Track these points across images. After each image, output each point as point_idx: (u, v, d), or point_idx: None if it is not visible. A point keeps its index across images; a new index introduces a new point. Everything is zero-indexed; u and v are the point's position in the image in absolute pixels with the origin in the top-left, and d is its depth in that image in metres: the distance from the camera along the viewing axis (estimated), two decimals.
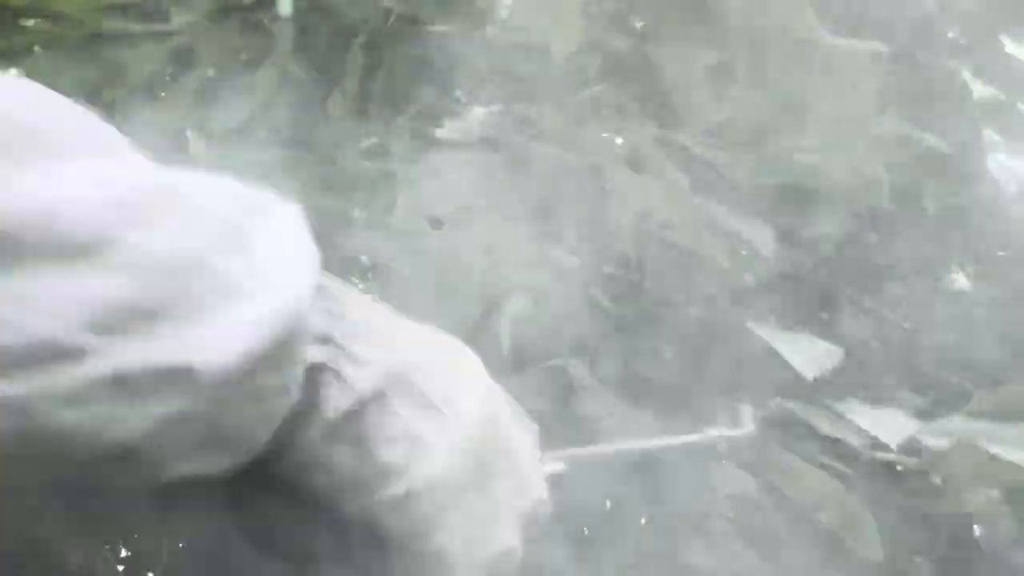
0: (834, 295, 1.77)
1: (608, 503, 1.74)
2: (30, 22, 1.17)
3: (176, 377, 0.37)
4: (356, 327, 0.47)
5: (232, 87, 1.36)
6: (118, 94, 1.23)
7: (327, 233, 1.44)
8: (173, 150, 1.71)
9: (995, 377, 1.86)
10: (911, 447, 1.17)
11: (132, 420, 0.37)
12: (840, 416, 1.21)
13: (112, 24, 1.18)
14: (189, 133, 1.69)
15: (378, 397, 0.45)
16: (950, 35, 2.26)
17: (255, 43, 1.27)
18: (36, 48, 1.18)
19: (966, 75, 2.25)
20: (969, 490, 1.21)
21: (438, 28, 1.24)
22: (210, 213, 0.41)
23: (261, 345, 0.39)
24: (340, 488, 0.45)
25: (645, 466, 1.31)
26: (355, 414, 0.45)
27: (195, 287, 0.38)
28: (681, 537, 1.56)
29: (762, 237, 1.42)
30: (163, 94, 1.25)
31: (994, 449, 1.10)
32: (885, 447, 1.16)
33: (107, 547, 1.48)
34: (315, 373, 0.44)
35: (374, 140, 1.37)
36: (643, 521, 1.58)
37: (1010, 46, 2.23)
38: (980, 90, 2.24)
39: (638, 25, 1.18)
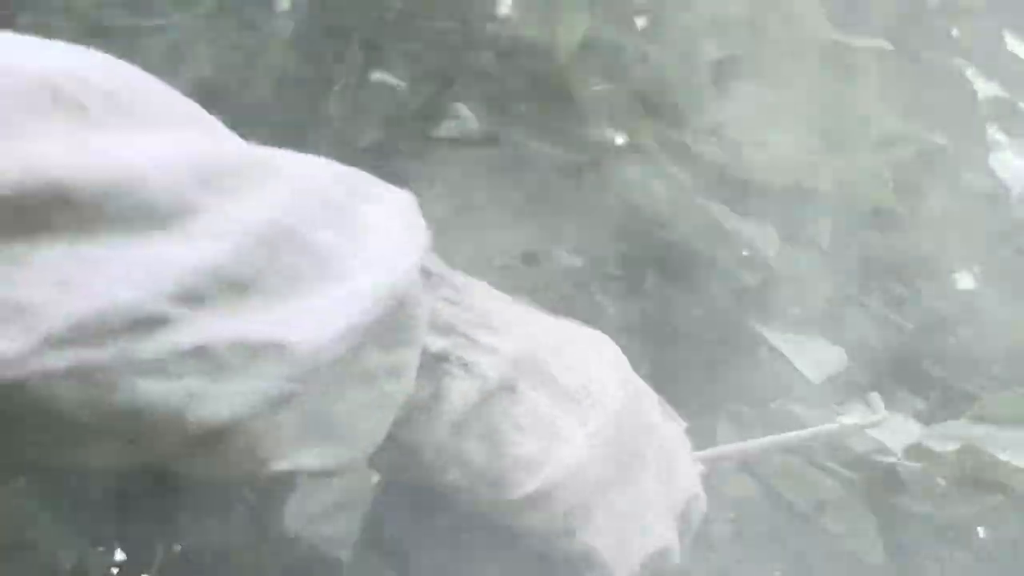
0: (838, 296, 1.75)
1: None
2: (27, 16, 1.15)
3: (269, 353, 0.35)
4: (481, 315, 0.44)
5: (230, 82, 1.35)
6: None
7: None
8: None
9: (1001, 379, 1.85)
10: (915, 451, 1.16)
11: (220, 399, 0.34)
12: (842, 418, 1.20)
13: (111, 18, 1.16)
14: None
15: (508, 387, 0.43)
16: (954, 33, 2.25)
17: (253, 38, 1.26)
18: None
19: (970, 73, 2.24)
20: (974, 495, 1.19)
21: (439, 24, 1.22)
22: (309, 189, 0.38)
23: (363, 322, 0.37)
24: (473, 485, 0.42)
25: None
26: (484, 405, 0.42)
27: (290, 260, 0.36)
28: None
29: (765, 237, 1.41)
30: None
31: (999, 453, 1.09)
32: (888, 451, 1.15)
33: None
34: (439, 363, 0.41)
35: (373, 137, 1.35)
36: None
37: (1013, 44, 2.22)
38: (984, 88, 2.23)
39: (640, 21, 1.16)
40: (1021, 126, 2.22)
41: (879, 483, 1.23)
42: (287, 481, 1.46)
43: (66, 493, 1.62)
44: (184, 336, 0.33)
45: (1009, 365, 1.91)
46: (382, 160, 1.46)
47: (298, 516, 1.35)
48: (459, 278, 0.45)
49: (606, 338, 0.50)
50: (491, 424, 0.43)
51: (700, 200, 1.40)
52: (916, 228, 1.79)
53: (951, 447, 1.12)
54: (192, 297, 0.33)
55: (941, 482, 1.18)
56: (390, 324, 0.38)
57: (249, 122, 1.46)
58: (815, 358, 1.20)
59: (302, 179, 0.39)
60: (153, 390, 0.33)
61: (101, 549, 1.67)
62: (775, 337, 1.24)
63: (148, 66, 1.14)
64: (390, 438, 0.39)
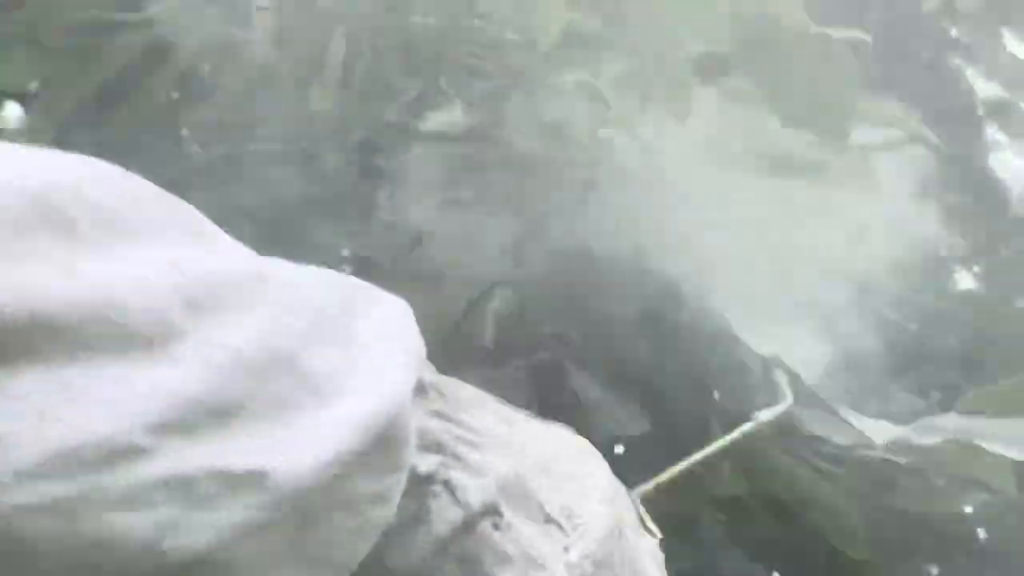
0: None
1: None
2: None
3: (249, 482, 0.33)
4: (469, 430, 0.43)
5: (210, 77, 1.35)
6: (96, 84, 1.22)
7: (311, 226, 1.43)
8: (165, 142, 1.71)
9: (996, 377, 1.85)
10: (901, 445, 1.15)
11: (197, 529, 0.33)
12: (829, 415, 1.19)
13: (87, 13, 1.16)
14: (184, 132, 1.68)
15: (492, 511, 0.41)
16: (953, 33, 2.24)
17: (234, 32, 1.26)
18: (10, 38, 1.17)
19: (969, 74, 2.23)
20: (960, 488, 1.19)
21: (422, 18, 1.22)
22: (301, 304, 0.37)
23: (352, 448, 0.35)
24: None
25: None
26: (467, 529, 0.41)
27: (278, 384, 0.34)
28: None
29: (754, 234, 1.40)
30: (143, 81, 1.23)
31: (984, 445, 1.08)
32: (874, 445, 1.14)
33: None
34: (424, 482, 0.40)
35: (357, 131, 1.35)
36: None
37: (1012, 44, 2.21)
38: (983, 89, 2.22)
39: (622, 13, 1.16)
40: (1021, 126, 2.21)
41: (864, 478, 1.22)
42: None
43: None
44: (161, 466, 0.32)
45: (1010, 364, 1.91)
46: (365, 152, 1.46)
47: None
48: (448, 386, 0.44)
49: (591, 448, 0.49)
50: (473, 550, 0.41)
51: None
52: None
53: (934, 440, 1.11)
54: (171, 426, 0.33)
55: (928, 478, 1.17)
56: (378, 450, 0.37)
57: (234, 124, 1.46)
58: (804, 355, 1.20)
59: (294, 294, 0.38)
60: (126, 521, 0.32)
61: None
62: (760, 334, 1.23)
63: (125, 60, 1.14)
64: (366, 557, 0.38)
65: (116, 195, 0.37)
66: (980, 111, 2.21)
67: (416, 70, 1.36)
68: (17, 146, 0.38)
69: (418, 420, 0.41)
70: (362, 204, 1.44)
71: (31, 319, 0.31)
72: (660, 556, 0.50)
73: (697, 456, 1.01)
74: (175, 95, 1.42)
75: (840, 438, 1.20)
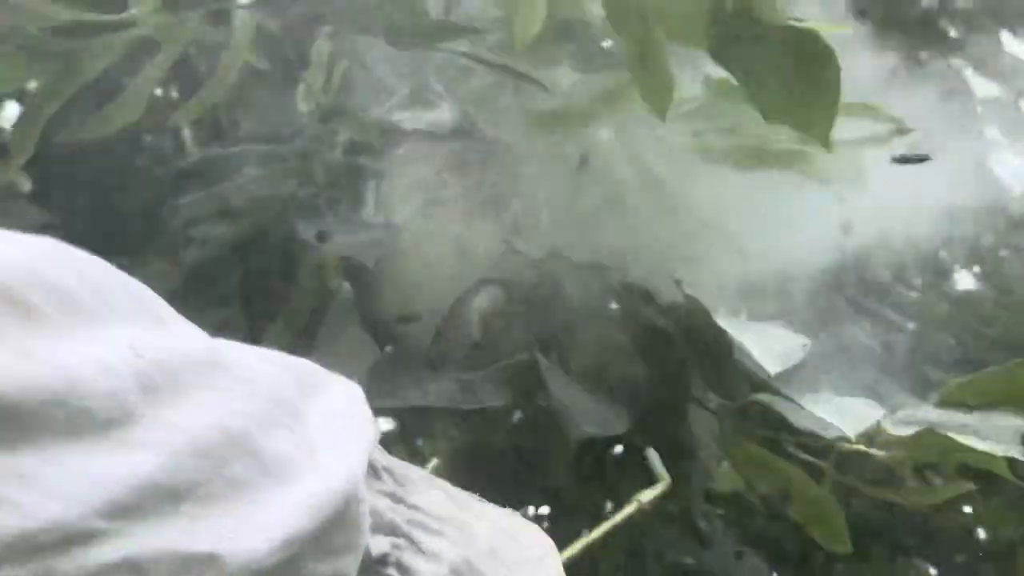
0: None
1: None
2: None
3: (200, 565, 0.33)
4: (421, 513, 0.43)
5: (194, 79, 1.36)
6: (79, 86, 1.23)
7: (296, 226, 1.44)
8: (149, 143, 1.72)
9: None
10: (874, 436, 1.14)
11: None
12: (806, 408, 1.19)
13: (68, 15, 1.17)
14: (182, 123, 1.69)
15: None
16: (952, 34, 2.24)
17: (216, 33, 1.27)
18: None
19: (968, 73, 2.23)
20: (937, 479, 1.18)
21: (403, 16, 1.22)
22: (257, 388, 0.38)
23: (305, 530, 0.36)
24: None
25: None
26: None
27: (232, 466, 0.35)
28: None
29: (742, 229, 1.40)
30: (125, 81, 1.24)
31: (959, 437, 1.07)
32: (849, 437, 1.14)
33: None
34: (377, 565, 0.41)
35: (342, 131, 1.36)
36: None
37: (1010, 44, 2.21)
38: (982, 88, 2.22)
39: (599, 10, 1.16)
40: (1020, 126, 2.21)
41: (845, 471, 1.22)
42: None
43: None
44: (115, 549, 0.32)
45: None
46: (351, 152, 1.47)
47: None
48: (401, 469, 0.45)
49: (538, 531, 0.50)
50: None
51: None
52: None
53: (910, 431, 1.11)
54: (125, 510, 0.33)
55: (906, 470, 1.17)
56: (332, 531, 0.37)
57: (219, 123, 1.47)
58: (774, 348, 1.19)
59: (249, 376, 0.38)
60: None
61: None
62: (737, 326, 1.23)
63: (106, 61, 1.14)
64: None
65: (74, 276, 0.38)
66: (979, 111, 2.21)
67: (401, 68, 1.36)
68: None
69: (371, 502, 0.41)
70: (348, 204, 1.44)
71: None
72: None
73: (584, 542, 1.01)
74: (159, 95, 1.43)
75: (822, 430, 1.19)
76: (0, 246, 0.37)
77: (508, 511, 0.51)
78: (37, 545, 0.31)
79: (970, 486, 1.20)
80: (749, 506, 1.64)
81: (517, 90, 1.39)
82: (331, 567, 0.38)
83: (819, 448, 1.23)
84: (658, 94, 1.20)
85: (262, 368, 0.39)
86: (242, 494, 0.35)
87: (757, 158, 1.40)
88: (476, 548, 0.44)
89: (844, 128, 1.23)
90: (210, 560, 0.34)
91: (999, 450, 1.08)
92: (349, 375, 1.33)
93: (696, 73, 1.32)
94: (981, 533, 1.74)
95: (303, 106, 1.30)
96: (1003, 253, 2.16)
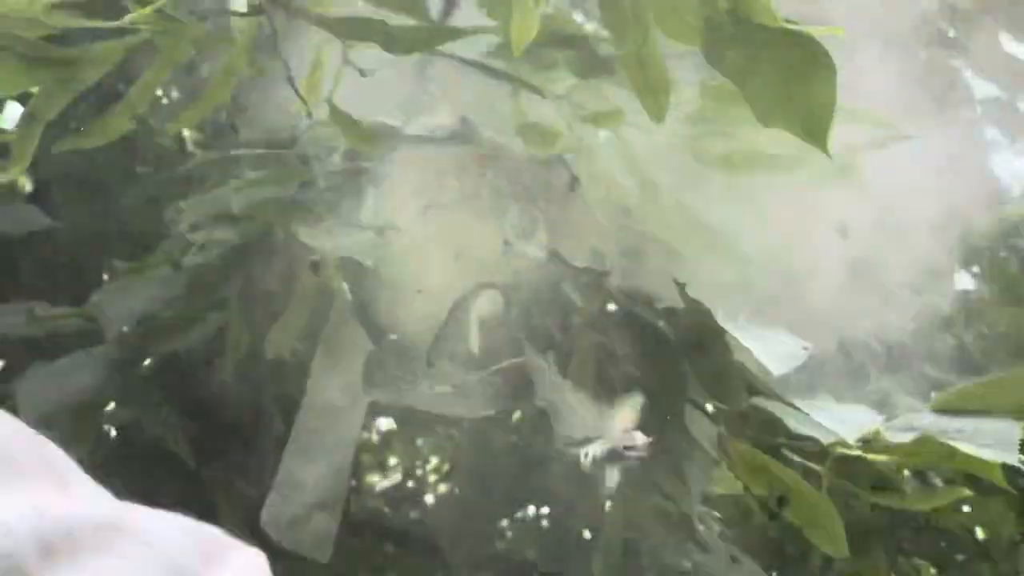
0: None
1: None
2: None
3: None
4: None
5: (193, 84, 1.36)
6: (79, 91, 1.23)
7: (295, 230, 1.44)
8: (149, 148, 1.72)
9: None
10: (872, 442, 1.15)
11: None
12: (805, 412, 1.19)
13: (64, 22, 1.17)
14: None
15: None
16: (951, 34, 2.24)
17: (214, 39, 1.27)
18: None
19: (967, 74, 2.23)
20: (936, 480, 1.19)
21: (401, 21, 1.22)
22: (157, 554, 0.38)
23: None
24: None
25: None
26: None
27: None
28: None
29: (741, 232, 1.40)
30: (121, 89, 1.25)
31: (956, 443, 1.08)
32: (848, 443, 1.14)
33: None
34: None
35: (341, 135, 1.36)
36: None
37: (1009, 44, 2.21)
38: (982, 89, 2.22)
39: (598, 12, 1.16)
40: (1019, 127, 2.21)
41: (843, 475, 1.22)
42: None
43: None
44: None
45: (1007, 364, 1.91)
46: (349, 155, 1.47)
47: (276, 521, 1.36)
48: None
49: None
50: None
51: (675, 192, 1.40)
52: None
53: (908, 437, 1.12)
54: None
55: (904, 474, 1.17)
56: None
57: (219, 127, 1.47)
58: (777, 351, 1.19)
59: (150, 542, 0.38)
60: None
61: None
62: (739, 329, 1.23)
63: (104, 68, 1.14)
64: None
65: None
66: (978, 111, 2.21)
67: (400, 71, 1.36)
68: None
69: None
70: (347, 207, 1.45)
71: None
72: None
73: None
74: (161, 100, 1.43)
75: (820, 434, 1.20)
76: None
77: None
78: None
79: (966, 492, 1.20)
80: (747, 508, 1.65)
81: (515, 94, 1.40)
82: None
83: (816, 452, 1.23)
84: (655, 96, 1.20)
85: (164, 534, 0.39)
86: None
87: (753, 161, 1.40)
88: None
89: (842, 131, 1.23)
90: None
91: (995, 457, 1.08)
92: (349, 376, 1.33)
93: (692, 77, 1.32)
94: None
95: (302, 110, 1.30)
96: (1003, 253, 2.16)
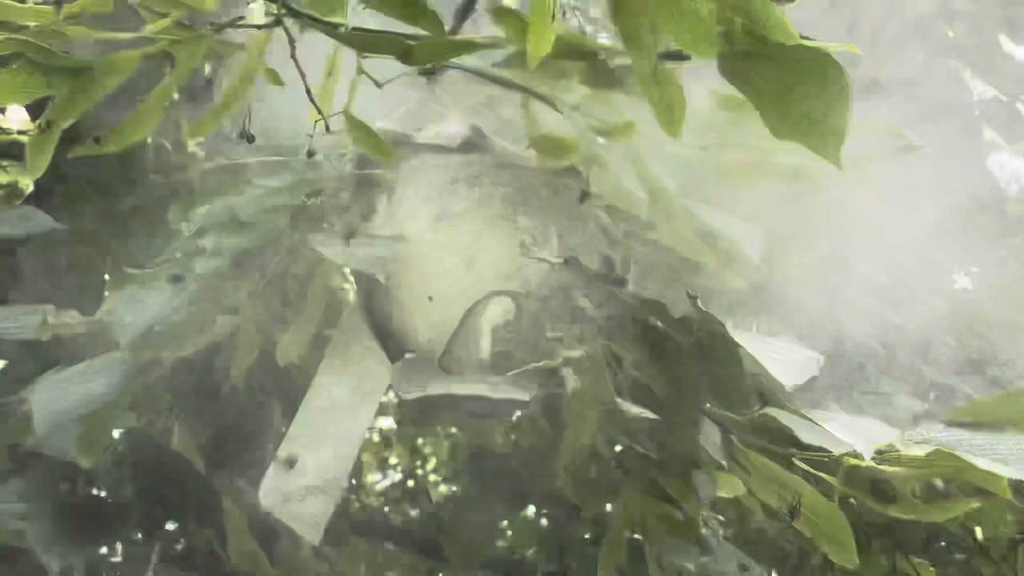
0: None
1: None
2: None
3: None
4: None
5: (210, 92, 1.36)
6: (94, 102, 1.23)
7: (307, 237, 1.44)
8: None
9: (996, 380, 1.85)
10: (887, 455, 1.16)
11: None
12: (818, 424, 1.20)
13: (83, 33, 1.17)
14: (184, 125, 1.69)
15: None
16: (950, 35, 2.25)
17: (229, 49, 1.27)
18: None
19: (966, 75, 2.24)
20: (947, 498, 1.19)
21: (416, 32, 1.22)
22: None
23: None
24: None
25: None
26: None
27: None
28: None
29: (750, 239, 1.41)
30: (140, 100, 1.24)
31: (968, 457, 1.09)
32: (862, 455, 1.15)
33: None
34: None
35: (352, 142, 1.36)
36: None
37: (1008, 46, 2.22)
38: (980, 90, 2.23)
39: (612, 28, 1.17)
40: (1018, 127, 2.22)
41: (855, 487, 1.23)
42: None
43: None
44: None
45: (1005, 364, 1.92)
46: (362, 163, 1.47)
47: (273, 494, 1.38)
48: None
49: None
50: None
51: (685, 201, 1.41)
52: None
53: (923, 451, 1.12)
54: None
55: (914, 485, 1.18)
56: None
57: (233, 134, 1.46)
58: (789, 362, 1.20)
59: None
60: None
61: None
62: (751, 341, 1.24)
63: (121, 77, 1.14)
64: None
65: None
66: (977, 112, 2.22)
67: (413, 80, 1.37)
68: None
69: None
70: (359, 215, 1.45)
71: None
72: None
73: None
74: (176, 104, 1.43)
75: (832, 446, 1.20)
76: None
77: None
78: None
79: (975, 504, 1.21)
80: (746, 509, 1.66)
81: (526, 103, 1.40)
82: None
83: (827, 463, 1.24)
84: (671, 111, 1.21)
85: None
86: None
87: (763, 171, 1.41)
88: None
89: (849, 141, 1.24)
90: None
91: (1012, 473, 1.09)
92: (359, 379, 1.33)
93: (702, 88, 1.32)
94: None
95: (318, 120, 1.30)
96: (1001, 253, 2.17)
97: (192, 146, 1.70)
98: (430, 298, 1.40)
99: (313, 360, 1.51)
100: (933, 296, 1.91)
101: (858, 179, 1.44)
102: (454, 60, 1.30)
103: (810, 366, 1.23)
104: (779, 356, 1.22)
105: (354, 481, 2.48)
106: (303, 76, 1.24)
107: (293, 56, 1.22)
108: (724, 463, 1.35)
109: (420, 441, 2.73)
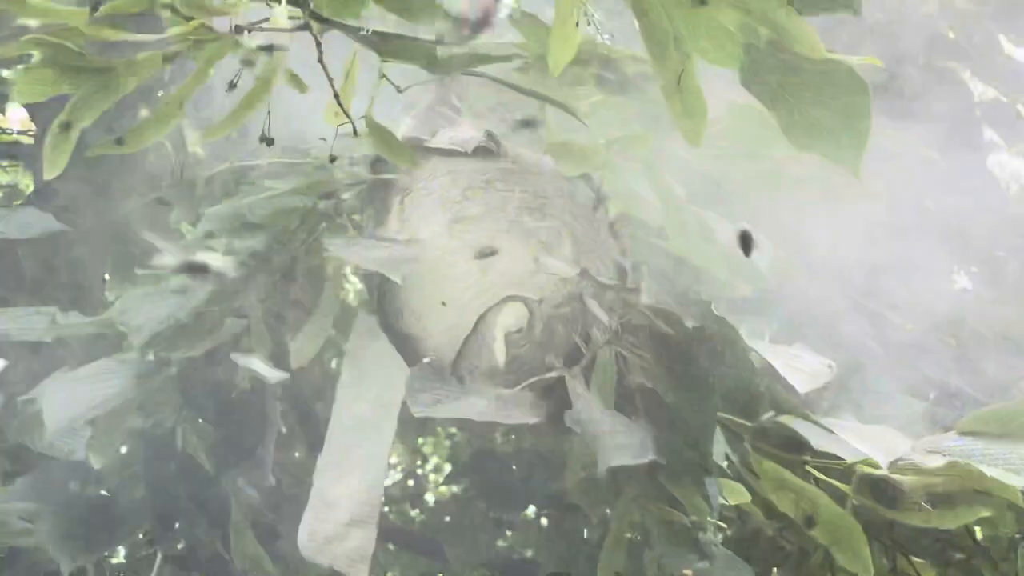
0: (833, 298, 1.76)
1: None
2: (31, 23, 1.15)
3: None
4: None
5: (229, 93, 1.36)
6: (113, 102, 1.23)
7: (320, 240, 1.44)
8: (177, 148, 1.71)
9: (996, 380, 1.87)
10: (902, 465, 1.17)
11: None
12: (832, 432, 1.21)
13: (106, 34, 1.17)
14: (186, 131, 1.69)
15: None
16: (950, 35, 2.26)
17: (252, 51, 1.26)
18: (34, 54, 1.17)
19: (966, 76, 2.25)
20: (960, 508, 1.20)
21: (430, 36, 1.22)
22: None
23: None
24: None
25: None
26: None
27: None
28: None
29: (759, 247, 1.41)
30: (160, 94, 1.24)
31: (985, 468, 1.10)
32: (877, 464, 1.16)
33: None
34: None
35: (366, 146, 1.36)
36: None
37: (1008, 47, 2.23)
38: (980, 91, 2.24)
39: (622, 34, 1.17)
40: (1018, 128, 2.23)
41: (863, 492, 1.24)
42: None
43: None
44: None
45: (1005, 364, 1.93)
46: (376, 167, 1.47)
47: (313, 540, 1.35)
48: None
49: None
50: None
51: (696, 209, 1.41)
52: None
53: (938, 462, 1.13)
54: None
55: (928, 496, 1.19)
56: None
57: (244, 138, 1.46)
58: (803, 369, 1.21)
59: None
60: None
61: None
62: (765, 348, 1.25)
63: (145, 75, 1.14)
64: None
65: None
66: (977, 113, 2.23)
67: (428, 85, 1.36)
68: None
69: None
70: (373, 219, 1.45)
71: None
72: None
73: None
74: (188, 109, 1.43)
75: (846, 454, 1.21)
76: None
77: None
78: None
79: (985, 512, 1.22)
80: (745, 510, 1.66)
81: (542, 109, 1.40)
82: None
83: (839, 471, 1.25)
84: (692, 119, 1.21)
85: None
86: None
87: (777, 179, 1.41)
88: None
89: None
90: None
91: (1020, 483, 1.10)
92: (377, 389, 1.32)
93: (718, 97, 1.33)
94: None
95: (343, 124, 1.29)
96: (1001, 253, 2.18)
97: (192, 147, 1.69)
98: (443, 303, 1.39)
99: (318, 361, 1.51)
100: (933, 296, 1.92)
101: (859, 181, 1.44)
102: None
103: (822, 373, 1.24)
104: (793, 363, 1.23)
105: None
106: (331, 81, 1.24)
107: (320, 60, 1.22)
108: (733, 471, 1.36)
109: (420, 441, 2.72)
